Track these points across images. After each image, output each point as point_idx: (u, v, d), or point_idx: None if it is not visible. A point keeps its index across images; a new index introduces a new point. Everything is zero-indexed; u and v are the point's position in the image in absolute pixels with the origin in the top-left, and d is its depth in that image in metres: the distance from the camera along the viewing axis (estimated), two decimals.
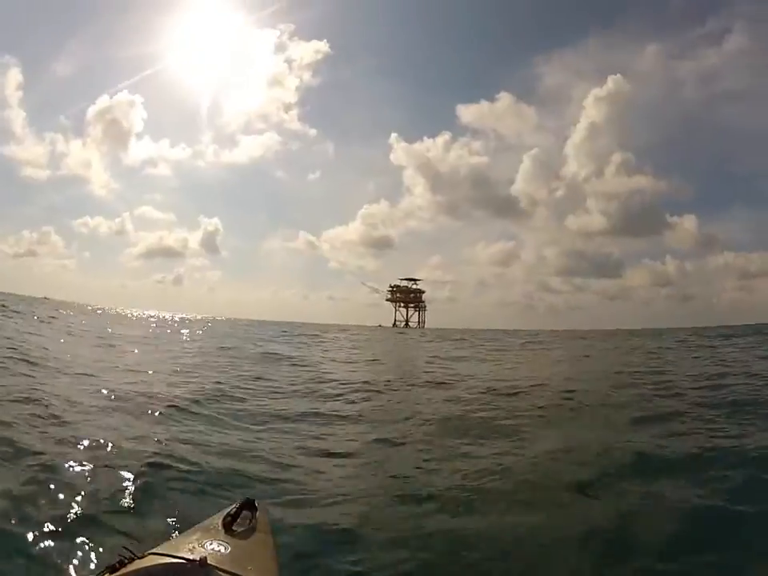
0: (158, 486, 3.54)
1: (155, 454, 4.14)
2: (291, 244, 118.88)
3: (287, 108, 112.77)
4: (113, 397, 6.50)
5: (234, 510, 2.21)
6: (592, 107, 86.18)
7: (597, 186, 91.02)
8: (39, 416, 5.07)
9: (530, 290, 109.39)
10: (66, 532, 2.71)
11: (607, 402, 7.32)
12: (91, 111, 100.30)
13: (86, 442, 4.31)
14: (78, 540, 2.64)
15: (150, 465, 3.86)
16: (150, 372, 9.37)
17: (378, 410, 7.36)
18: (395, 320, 73.25)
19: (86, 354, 11.55)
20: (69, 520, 2.85)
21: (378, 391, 8.83)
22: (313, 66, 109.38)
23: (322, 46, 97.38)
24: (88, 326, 22.39)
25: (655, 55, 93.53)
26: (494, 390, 8.52)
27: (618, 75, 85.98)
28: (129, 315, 50.79)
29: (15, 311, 22.08)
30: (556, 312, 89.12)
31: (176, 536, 2.10)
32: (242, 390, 8.09)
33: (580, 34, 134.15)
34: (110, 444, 4.31)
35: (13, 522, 2.76)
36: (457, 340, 27.96)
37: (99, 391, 6.79)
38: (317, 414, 6.71)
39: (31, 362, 8.60)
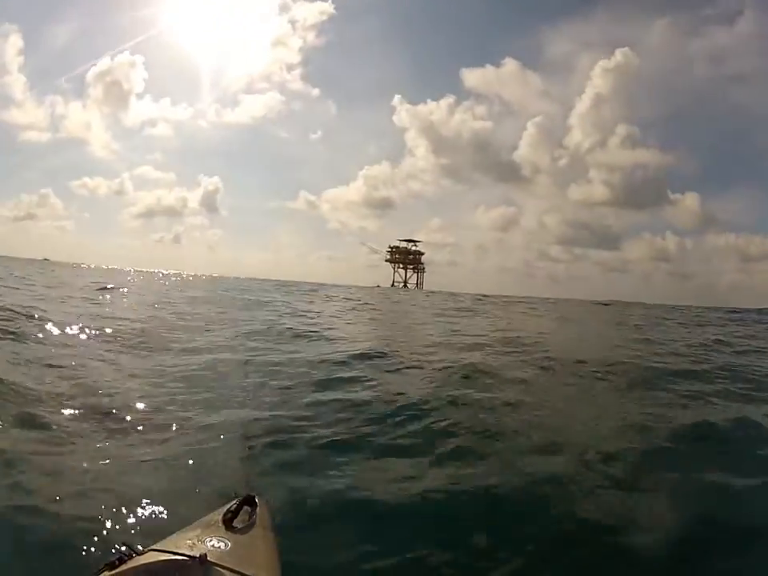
0: None
1: None
2: (291, 204, 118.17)
3: (290, 68, 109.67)
4: None
5: (235, 506, 2.19)
6: (599, 78, 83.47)
7: (600, 156, 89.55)
8: None
9: (529, 257, 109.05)
10: None
11: None
12: (92, 73, 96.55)
13: None
14: None
15: None
16: None
17: None
18: (393, 281, 73.51)
19: None
20: None
21: None
22: (317, 26, 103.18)
23: (327, 6, 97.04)
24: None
25: (665, 30, 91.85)
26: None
27: (627, 48, 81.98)
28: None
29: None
30: (554, 280, 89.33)
31: (176, 532, 2.06)
32: None
33: (589, 4, 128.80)
34: None
35: None
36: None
37: None
38: None
39: None
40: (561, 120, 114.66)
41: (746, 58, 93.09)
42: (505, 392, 5.66)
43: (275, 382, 5.94)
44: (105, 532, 2.52)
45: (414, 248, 73.81)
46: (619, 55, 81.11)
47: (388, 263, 73.78)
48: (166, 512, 2.80)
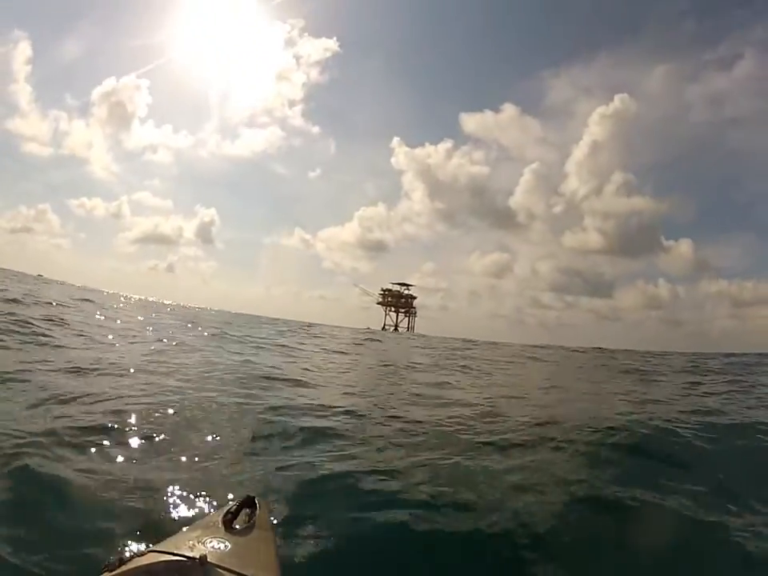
0: None
1: None
2: (286, 240, 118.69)
3: (292, 104, 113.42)
4: None
5: (235, 507, 2.21)
6: (596, 124, 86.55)
7: (595, 204, 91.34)
8: None
9: (521, 303, 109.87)
10: None
11: None
12: (97, 92, 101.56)
13: None
14: None
15: None
16: None
17: None
18: (384, 323, 73.38)
19: None
20: None
21: None
22: (321, 63, 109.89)
23: (332, 44, 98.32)
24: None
25: (665, 75, 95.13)
26: None
27: (625, 94, 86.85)
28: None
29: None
30: (545, 328, 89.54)
31: (176, 533, 2.06)
32: None
33: (590, 50, 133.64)
34: None
35: None
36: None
37: None
38: None
39: None
40: (558, 166, 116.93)
41: (744, 101, 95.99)
42: None
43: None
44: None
45: (406, 291, 74.36)
46: (617, 101, 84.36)
47: (380, 306, 74.11)
48: None
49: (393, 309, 74.18)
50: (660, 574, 2.91)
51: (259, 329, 25.06)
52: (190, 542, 1.99)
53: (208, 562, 1.87)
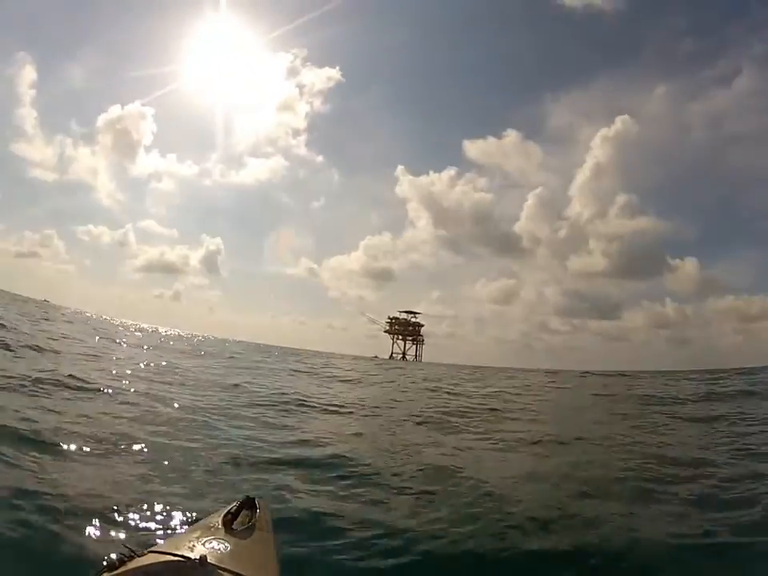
0: None
1: None
2: (292, 270, 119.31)
3: (296, 133, 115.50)
4: None
5: (235, 508, 2.20)
6: (599, 147, 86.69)
7: (600, 227, 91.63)
8: None
9: (528, 329, 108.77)
10: None
11: None
12: (102, 119, 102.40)
13: None
14: None
15: None
16: None
17: None
18: (392, 352, 72.84)
19: None
20: None
21: None
22: (324, 92, 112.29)
23: (335, 73, 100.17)
24: None
25: (664, 96, 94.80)
26: None
27: (626, 116, 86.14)
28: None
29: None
30: (553, 352, 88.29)
31: (176, 534, 2.05)
32: None
33: (590, 74, 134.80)
34: None
35: None
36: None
37: None
38: None
39: None
40: (561, 191, 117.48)
41: (746, 118, 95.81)
42: None
43: None
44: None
45: (413, 319, 73.96)
46: (619, 123, 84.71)
47: (387, 334, 73.74)
48: None
49: (400, 337, 73.79)
50: None
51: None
52: (190, 543, 1.98)
53: (208, 563, 1.86)
